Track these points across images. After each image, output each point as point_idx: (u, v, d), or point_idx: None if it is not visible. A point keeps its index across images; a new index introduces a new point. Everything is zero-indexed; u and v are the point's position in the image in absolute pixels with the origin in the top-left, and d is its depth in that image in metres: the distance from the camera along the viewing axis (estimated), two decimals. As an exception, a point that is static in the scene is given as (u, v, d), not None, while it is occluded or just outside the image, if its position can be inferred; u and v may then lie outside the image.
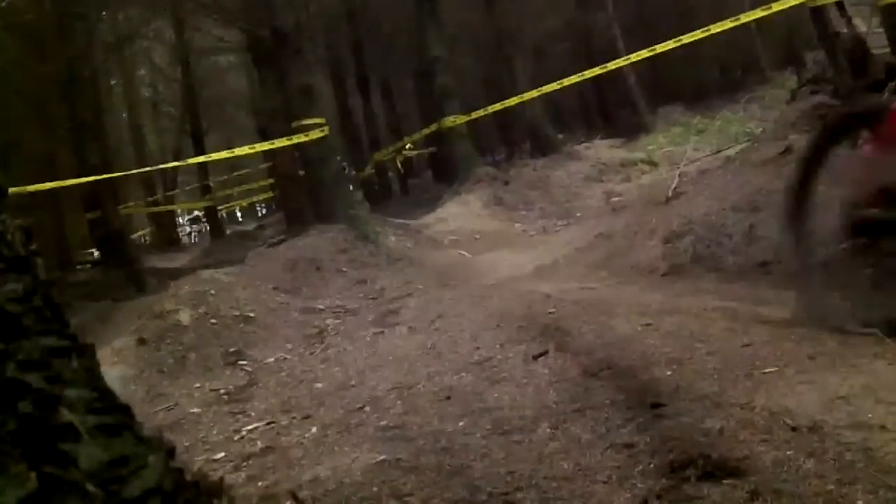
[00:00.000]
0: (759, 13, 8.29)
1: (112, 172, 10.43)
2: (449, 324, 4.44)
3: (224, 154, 11.66)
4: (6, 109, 11.69)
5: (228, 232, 22.28)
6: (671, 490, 1.86)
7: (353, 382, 3.74)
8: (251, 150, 11.38)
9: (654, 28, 15.78)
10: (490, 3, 14.29)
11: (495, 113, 13.02)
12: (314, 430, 3.06)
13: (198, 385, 4.46)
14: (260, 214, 35.11)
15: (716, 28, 8.41)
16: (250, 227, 24.76)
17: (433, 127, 13.02)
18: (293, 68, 9.19)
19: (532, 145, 14.29)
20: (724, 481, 1.83)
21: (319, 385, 3.90)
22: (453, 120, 12.45)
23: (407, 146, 15.72)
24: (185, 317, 5.26)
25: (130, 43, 16.92)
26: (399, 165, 17.40)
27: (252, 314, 5.45)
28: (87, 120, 10.71)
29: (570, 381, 2.85)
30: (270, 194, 23.52)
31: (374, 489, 2.22)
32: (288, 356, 4.82)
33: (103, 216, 11.20)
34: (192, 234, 28.65)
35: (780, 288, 3.91)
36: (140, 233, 25.19)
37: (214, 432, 3.48)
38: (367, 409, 3.18)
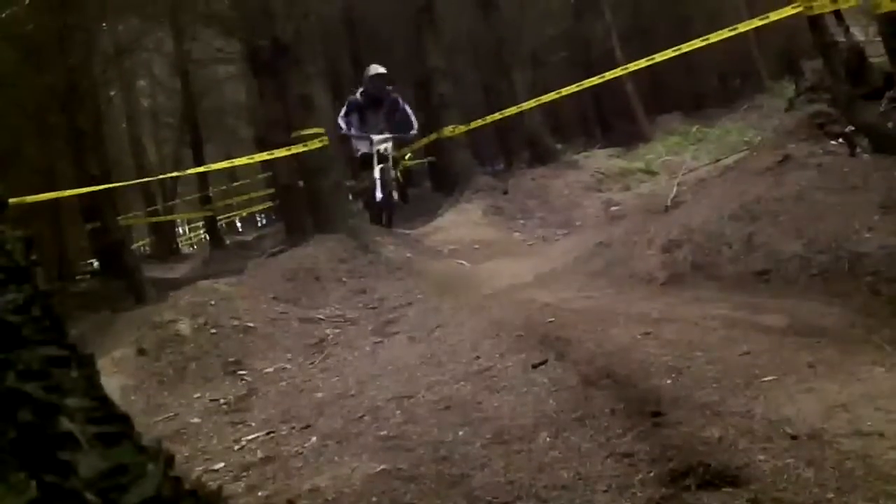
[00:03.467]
0: (756, 22, 8.32)
1: (112, 183, 10.44)
2: (448, 333, 4.44)
3: (223, 164, 11.68)
4: (6, 120, 11.71)
5: (228, 242, 22.28)
6: (671, 499, 1.86)
7: (352, 392, 3.74)
8: (250, 161, 11.39)
9: (653, 37, 15.84)
10: (488, 12, 14.32)
11: (494, 122, 13.02)
12: (314, 439, 3.06)
13: (197, 395, 4.46)
14: (259, 225, 35.16)
15: (714, 37, 8.43)
16: (250, 237, 24.78)
17: (432, 136, 13.04)
18: (292, 78, 9.22)
19: (531, 155, 14.27)
20: (724, 490, 1.83)
21: (319, 395, 3.90)
22: (452, 129, 12.47)
23: (406, 156, 15.76)
24: (184, 327, 5.26)
25: (130, 53, 16.97)
26: (398, 175, 17.44)
27: (252, 324, 5.45)
28: (87, 130, 10.73)
29: (570, 390, 2.85)
30: (270, 204, 23.58)
31: (374, 499, 2.22)
32: (287, 366, 4.82)
33: (103, 226, 11.22)
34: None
35: (779, 296, 3.91)
36: (139, 243, 25.23)
37: (214, 442, 3.48)
38: (366, 418, 3.18)
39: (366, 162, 9.08)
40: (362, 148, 9.08)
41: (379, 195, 8.67)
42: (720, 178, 6.35)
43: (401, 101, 9.25)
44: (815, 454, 1.93)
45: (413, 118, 9.24)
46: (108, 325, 7.08)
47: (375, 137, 8.84)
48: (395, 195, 8.92)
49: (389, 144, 8.92)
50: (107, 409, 1.17)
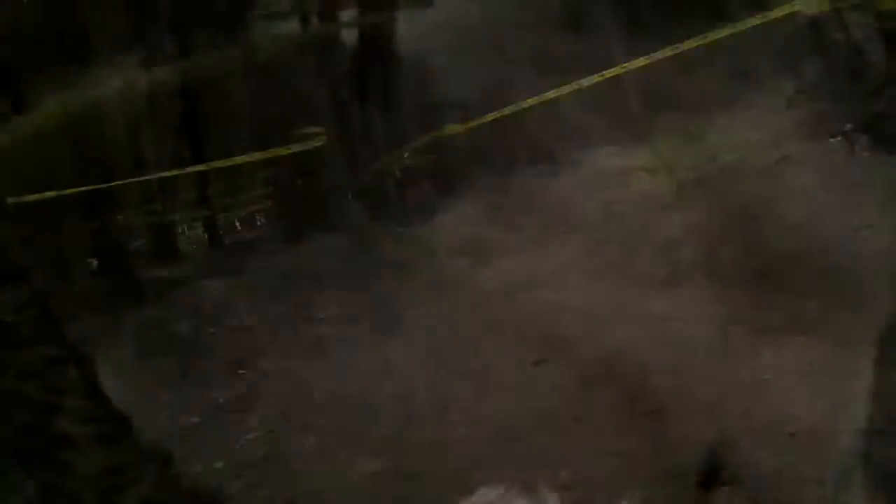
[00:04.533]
0: (755, 20, 8.29)
1: (111, 181, 10.40)
2: (448, 332, 4.43)
3: (223, 163, 11.63)
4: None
5: (227, 241, 22.25)
6: (671, 497, 1.86)
7: (351, 391, 3.73)
8: (250, 159, 11.35)
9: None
10: (489, 9, 14.30)
11: (494, 121, 12.99)
12: (313, 438, 3.06)
13: (197, 394, 4.45)
14: (259, 224, 35.16)
15: (713, 36, 8.39)
16: (249, 236, 24.73)
17: (433, 135, 13.00)
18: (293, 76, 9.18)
19: (531, 154, 14.28)
20: (724, 488, 1.83)
21: (318, 394, 3.89)
22: (452, 128, 12.43)
23: (406, 155, 15.72)
24: (184, 327, 5.25)
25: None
26: (399, 174, 17.42)
27: (251, 324, 5.44)
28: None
29: (570, 388, 2.85)
30: (269, 203, 23.55)
31: (373, 497, 2.22)
32: (287, 365, 4.80)
33: (102, 226, 11.18)
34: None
35: (778, 294, 3.90)
36: (139, 242, 25.22)
37: (214, 441, 3.47)
38: (365, 417, 3.17)
39: None
40: None
41: None
42: (720, 176, 6.33)
43: None
44: (813, 452, 1.93)
45: None
46: (106, 324, 7.06)
47: None
48: None
49: None
50: (105, 409, 1.17)
